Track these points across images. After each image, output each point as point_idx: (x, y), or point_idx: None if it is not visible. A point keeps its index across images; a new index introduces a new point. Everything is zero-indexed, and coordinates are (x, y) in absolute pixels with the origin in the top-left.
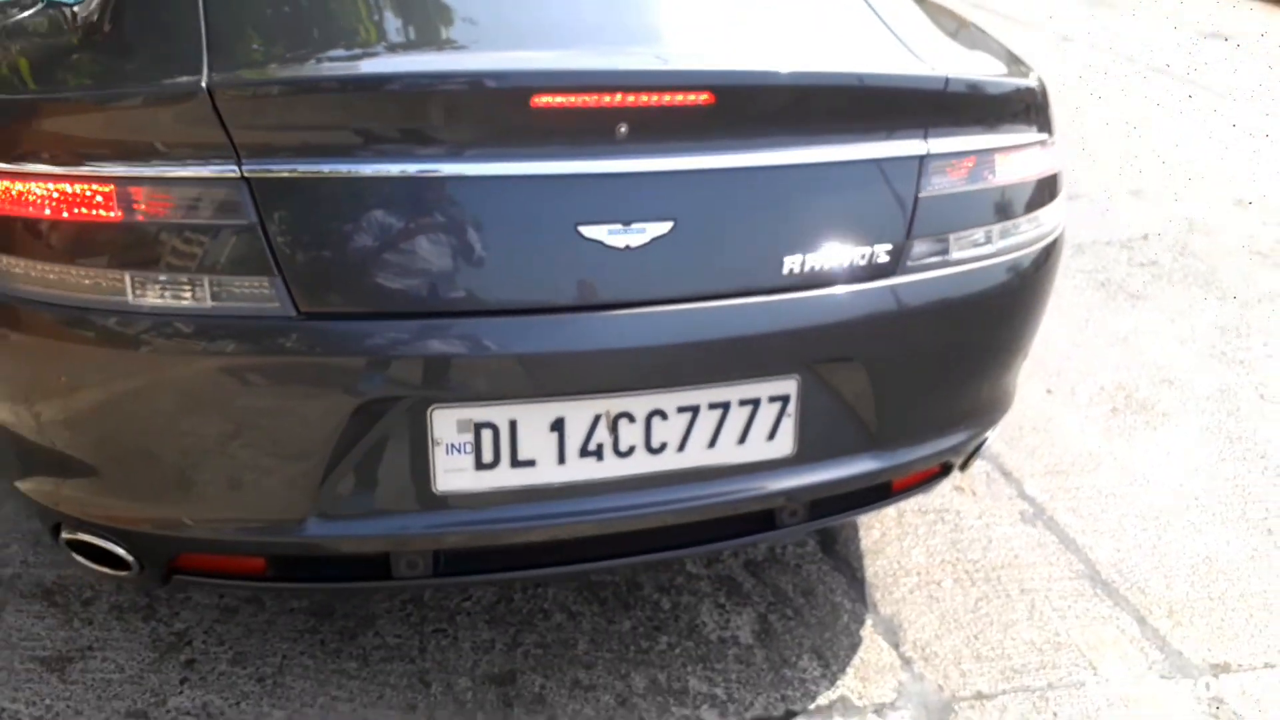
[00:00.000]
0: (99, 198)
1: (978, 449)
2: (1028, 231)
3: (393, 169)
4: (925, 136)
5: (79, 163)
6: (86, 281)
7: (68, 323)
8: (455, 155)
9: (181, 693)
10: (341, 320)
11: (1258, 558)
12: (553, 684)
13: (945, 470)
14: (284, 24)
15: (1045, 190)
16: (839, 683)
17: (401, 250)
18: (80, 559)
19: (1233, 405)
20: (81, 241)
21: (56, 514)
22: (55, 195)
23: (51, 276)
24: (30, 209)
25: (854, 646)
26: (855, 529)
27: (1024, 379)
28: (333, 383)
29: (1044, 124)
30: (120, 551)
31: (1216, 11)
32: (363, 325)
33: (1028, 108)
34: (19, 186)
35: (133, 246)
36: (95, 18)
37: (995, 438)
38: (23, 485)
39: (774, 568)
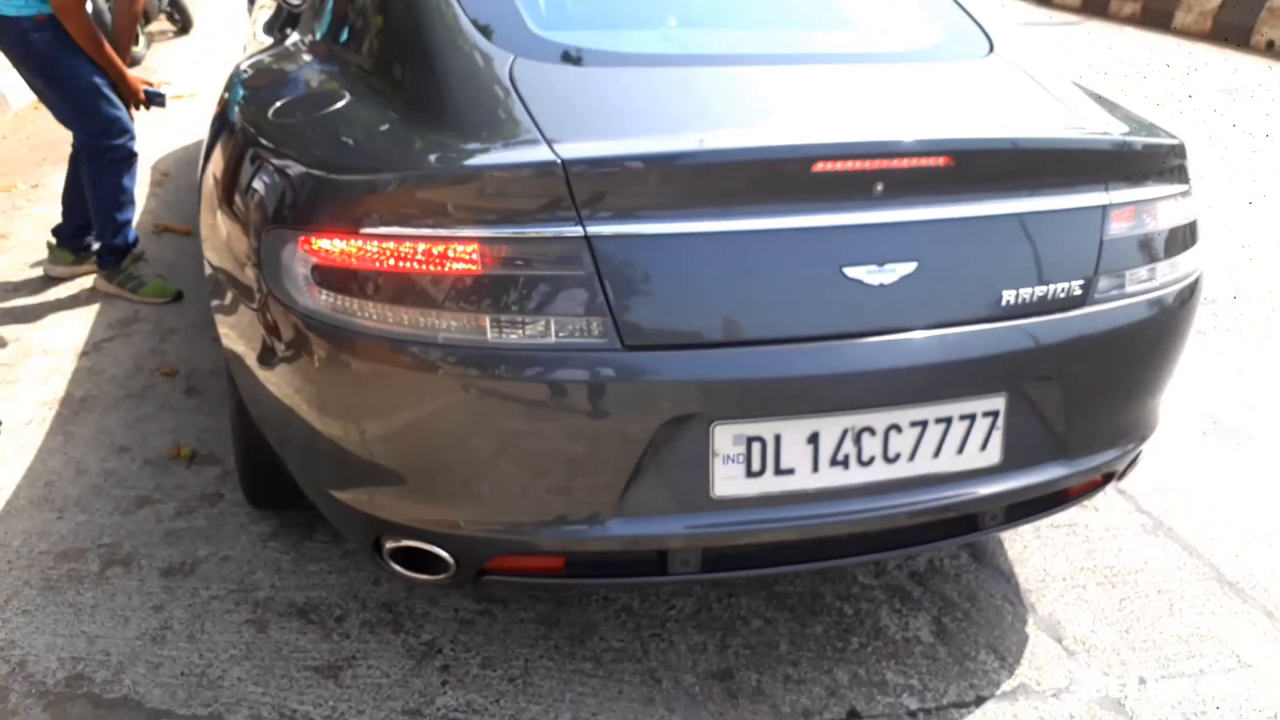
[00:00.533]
0: (465, 254)
1: (1134, 461)
2: (1180, 269)
3: (702, 226)
4: (1106, 189)
5: (448, 225)
6: (453, 323)
7: (434, 358)
8: (750, 212)
9: (444, 693)
10: (655, 351)
11: None
12: (767, 678)
13: (1106, 479)
14: (597, 109)
15: (1190, 233)
16: (1016, 672)
17: (705, 292)
18: (397, 567)
19: None
20: (449, 291)
21: (381, 524)
22: (427, 253)
23: (422, 320)
24: (405, 264)
25: (1022, 642)
26: (1000, 542)
27: None
28: (646, 403)
29: (1186, 178)
30: (444, 554)
31: None
32: (671, 355)
33: (1176, 164)
34: (395, 246)
35: (492, 294)
36: (417, 100)
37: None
38: (347, 497)
39: (936, 577)
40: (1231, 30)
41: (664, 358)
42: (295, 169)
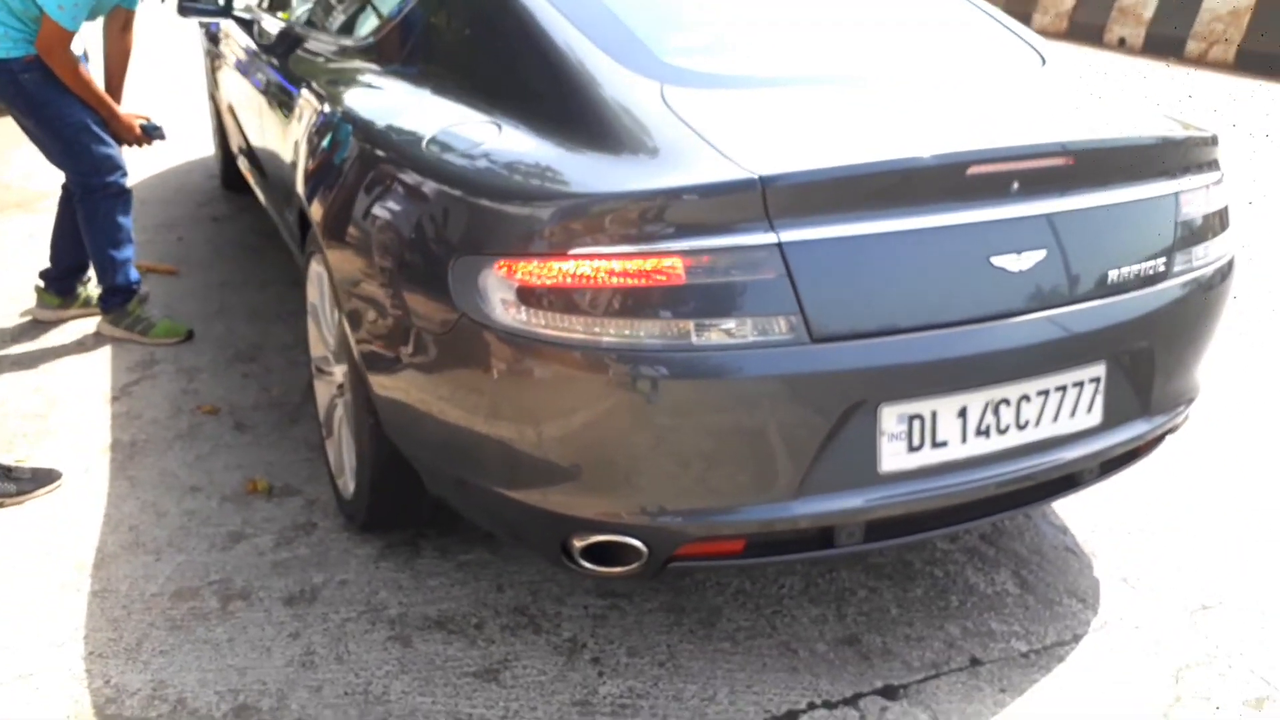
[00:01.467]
0: (668, 268)
1: (1185, 420)
2: (1225, 244)
3: (873, 227)
4: (1176, 177)
5: (650, 242)
6: (659, 330)
7: (640, 363)
8: (913, 213)
9: (604, 683)
10: (839, 342)
11: None
12: (889, 639)
13: (1162, 438)
14: (760, 128)
15: (1226, 215)
16: (1100, 611)
17: (878, 286)
18: (585, 564)
19: None
20: (654, 301)
21: (572, 523)
22: (633, 270)
23: (629, 329)
24: (611, 280)
25: (1094, 585)
26: None
27: None
28: (833, 391)
29: (1219, 166)
30: (638, 544)
31: None
32: (852, 345)
33: (1215, 155)
34: (602, 265)
35: (695, 301)
36: (577, 128)
37: None
38: (538, 500)
39: (1003, 537)
40: (1086, 29)
41: (847, 348)
42: (485, 200)
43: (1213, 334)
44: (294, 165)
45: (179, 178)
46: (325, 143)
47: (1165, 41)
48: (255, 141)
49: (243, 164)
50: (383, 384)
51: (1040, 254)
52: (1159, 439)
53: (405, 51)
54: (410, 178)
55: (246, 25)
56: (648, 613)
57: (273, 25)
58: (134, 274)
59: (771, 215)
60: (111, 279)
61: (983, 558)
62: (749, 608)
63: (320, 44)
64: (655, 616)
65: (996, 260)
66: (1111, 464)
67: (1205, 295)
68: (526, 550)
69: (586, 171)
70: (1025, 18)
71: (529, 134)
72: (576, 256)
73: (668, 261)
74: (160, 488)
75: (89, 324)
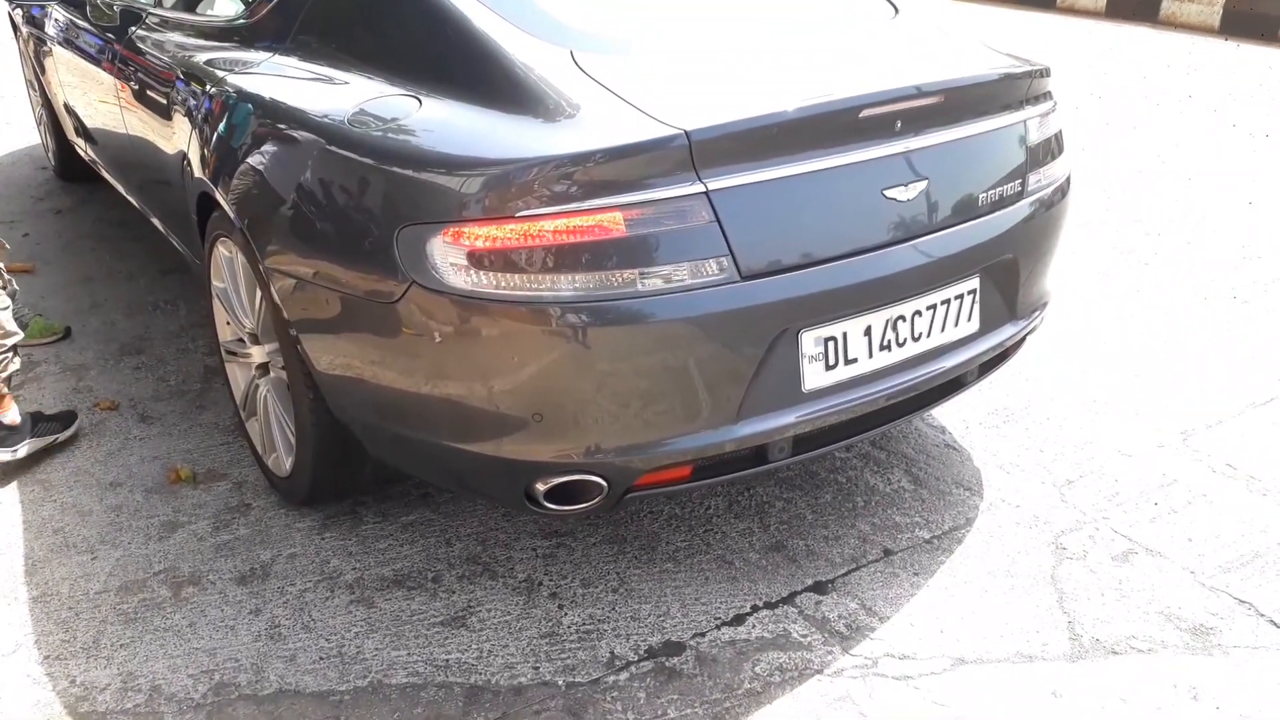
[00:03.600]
0: (609, 222)
1: (1039, 323)
2: (1064, 165)
3: (787, 170)
4: (1023, 106)
5: (588, 198)
6: (605, 280)
7: (593, 311)
8: (821, 154)
9: (565, 614)
10: (765, 277)
11: None
12: (812, 541)
13: (1024, 339)
14: (671, 87)
15: (1063, 138)
16: (985, 495)
17: (795, 223)
18: (549, 505)
19: None
20: (599, 254)
21: (534, 468)
22: (576, 227)
23: (578, 281)
24: (557, 238)
25: (975, 473)
26: None
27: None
28: (763, 321)
29: (1052, 96)
30: (599, 479)
31: None
32: (777, 280)
33: (1048, 87)
34: (547, 224)
35: (636, 250)
36: (497, 96)
37: None
38: (501, 450)
39: (890, 440)
40: None
41: (772, 282)
42: (425, 170)
43: (1059, 244)
44: (185, 152)
45: (4, 170)
46: (230, 127)
47: None
48: (110, 127)
49: (87, 152)
50: (324, 358)
51: (923, 184)
52: (1022, 340)
53: (287, 29)
54: (338, 155)
55: (78, 6)
56: (593, 546)
57: (115, 5)
58: None
59: (698, 166)
60: None
61: (876, 461)
62: (683, 529)
63: (180, 23)
64: (600, 549)
65: (889, 193)
66: (988, 365)
67: (1053, 210)
68: (485, 500)
69: (518, 136)
70: None
71: (450, 104)
72: (522, 219)
73: (608, 216)
74: (77, 488)
75: None
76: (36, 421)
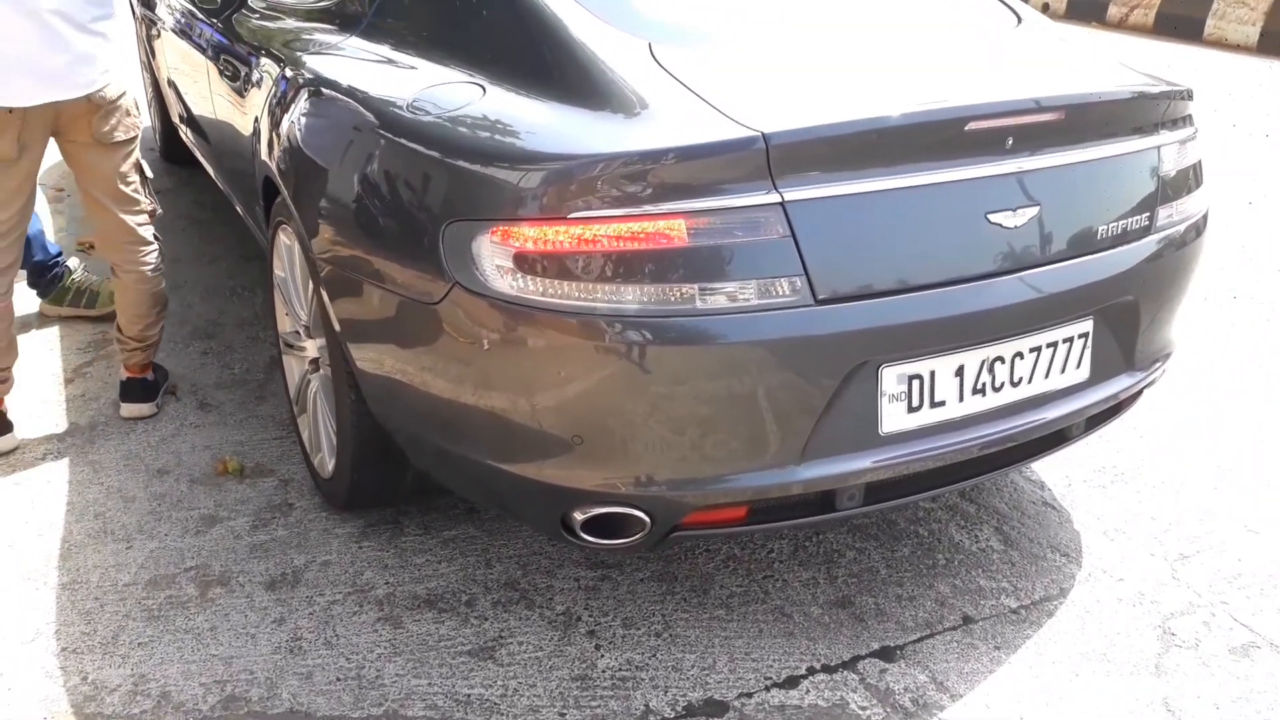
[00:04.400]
0: (671, 229)
1: (1160, 375)
2: (1202, 198)
3: (877, 185)
4: (1158, 131)
5: (652, 203)
6: (661, 294)
7: (647, 327)
8: (916, 169)
9: (602, 656)
10: (843, 303)
11: None
12: (882, 599)
13: (1142, 392)
14: (756, 85)
15: (1201, 169)
16: (1083, 564)
17: (881, 245)
18: (587, 537)
19: None
20: (658, 264)
21: (573, 495)
22: (636, 233)
23: (630, 293)
24: (614, 244)
25: (1075, 537)
26: None
27: None
28: (837, 352)
29: (1193, 121)
30: (641, 514)
31: None
32: (856, 307)
33: (1190, 110)
34: (603, 228)
35: (699, 263)
36: (568, 89)
37: None
38: (539, 473)
39: (983, 493)
40: None
41: (849, 309)
42: (476, 164)
43: (1191, 288)
44: (256, 134)
45: None
46: (294, 110)
47: (1088, 7)
48: (202, 111)
49: (186, 135)
50: (366, 357)
51: (1034, 210)
52: (1139, 393)
53: (364, 12)
54: (393, 142)
55: None
56: (640, 582)
57: None
58: (52, 247)
59: (775, 174)
60: (30, 257)
61: (964, 515)
62: (740, 573)
63: (271, 4)
64: (648, 586)
65: (994, 217)
66: (1097, 418)
67: (1184, 250)
68: (522, 524)
69: (580, 131)
70: None
71: (514, 94)
72: (575, 220)
73: (670, 223)
74: (126, 472)
75: (33, 309)
76: (160, 375)
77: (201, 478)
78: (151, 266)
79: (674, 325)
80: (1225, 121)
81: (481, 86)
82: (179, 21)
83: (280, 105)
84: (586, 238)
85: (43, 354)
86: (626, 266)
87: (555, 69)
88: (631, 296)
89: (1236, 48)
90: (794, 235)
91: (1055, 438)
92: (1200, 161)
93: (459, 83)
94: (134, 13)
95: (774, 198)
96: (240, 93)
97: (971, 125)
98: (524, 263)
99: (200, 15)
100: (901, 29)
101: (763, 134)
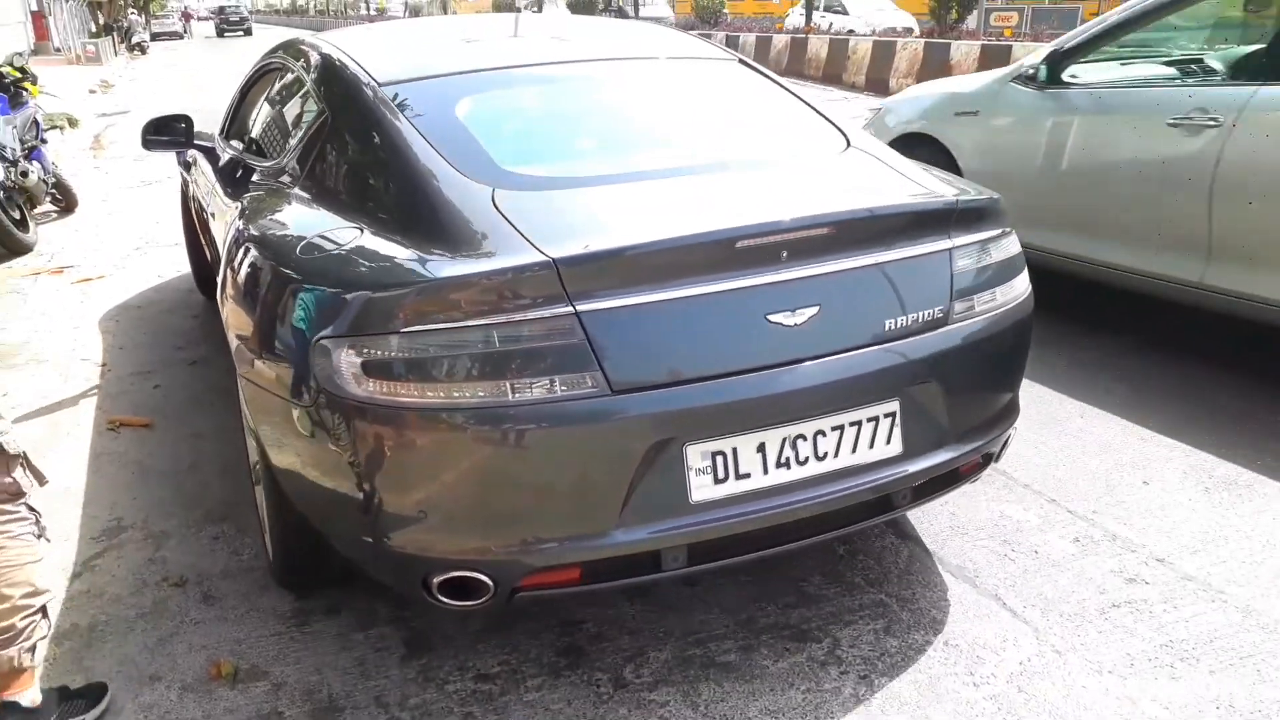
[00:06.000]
0: (486, 338)
1: (1005, 445)
2: (1015, 289)
3: (660, 295)
4: (950, 235)
5: (471, 317)
6: (481, 392)
7: (468, 419)
8: (694, 282)
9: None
10: (637, 392)
11: None
12: None
13: (986, 460)
14: (566, 220)
15: (1018, 262)
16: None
17: (667, 344)
18: (443, 599)
19: None
20: (478, 367)
21: (430, 562)
22: (457, 341)
23: (456, 392)
24: (439, 351)
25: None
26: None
27: None
28: (633, 433)
29: (1005, 222)
30: (484, 578)
31: None
32: (649, 394)
33: (997, 212)
34: (431, 339)
35: (510, 364)
36: (422, 231)
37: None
38: (399, 544)
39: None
40: None
41: (643, 396)
42: (337, 289)
43: (1015, 366)
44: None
45: (159, 318)
46: (233, 254)
47: None
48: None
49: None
50: (274, 452)
51: (813, 310)
52: (980, 464)
53: (303, 170)
54: (285, 275)
55: (208, 152)
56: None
57: (224, 152)
58: None
59: (568, 290)
60: None
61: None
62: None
63: (252, 166)
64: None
65: (773, 317)
66: (928, 487)
67: (990, 336)
68: (398, 590)
69: (420, 263)
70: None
71: (384, 236)
72: (410, 333)
73: (485, 334)
74: (118, 679)
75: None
76: (62, 700)
77: (194, 683)
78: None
79: (493, 415)
80: None
81: (360, 229)
82: (201, 180)
83: (229, 251)
84: (420, 347)
85: (58, 543)
86: (452, 369)
87: (415, 214)
88: (459, 394)
89: None
90: (588, 338)
91: (880, 504)
92: (1012, 258)
93: (345, 227)
94: (180, 171)
95: (568, 309)
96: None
97: (742, 243)
98: (371, 369)
99: (214, 174)
100: (723, 166)
101: (553, 260)
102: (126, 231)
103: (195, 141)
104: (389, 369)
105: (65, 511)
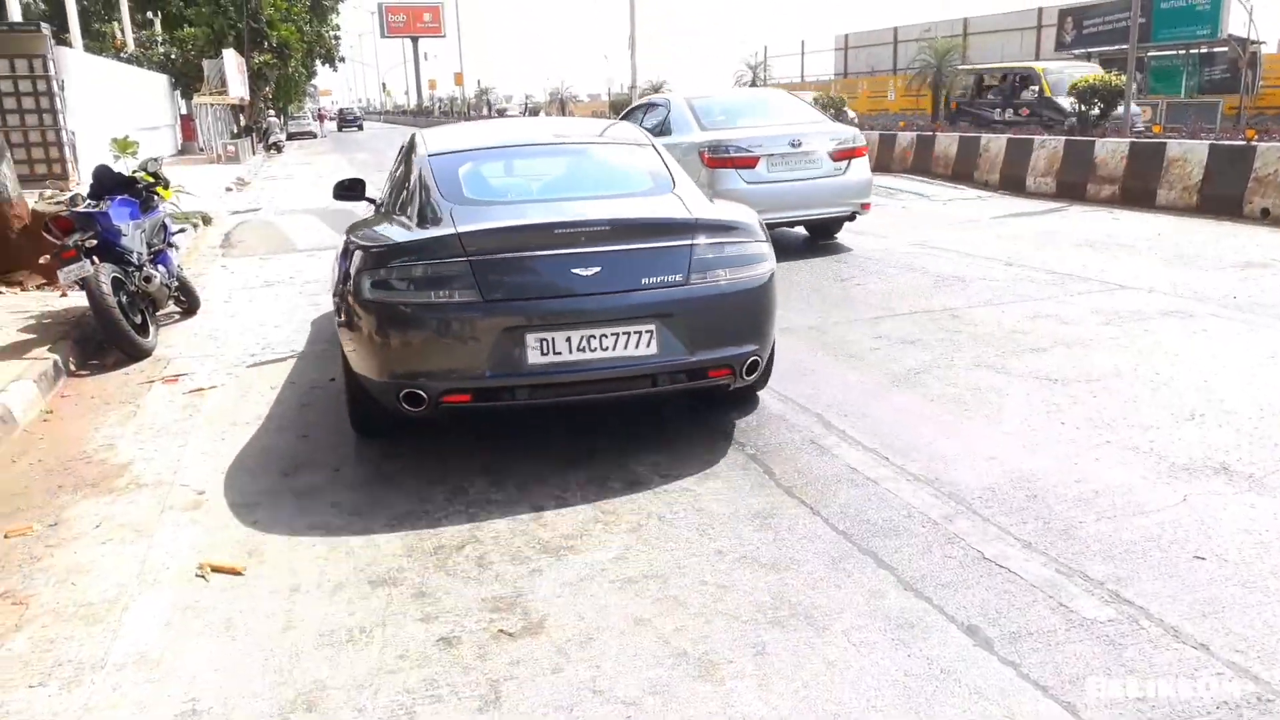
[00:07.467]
0: (425, 269)
1: (751, 365)
2: (747, 273)
3: (516, 255)
4: (694, 238)
5: (419, 260)
6: (422, 296)
7: (417, 309)
8: (537, 248)
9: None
10: (500, 302)
11: None
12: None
13: (733, 371)
14: (479, 219)
15: (756, 257)
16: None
17: (518, 279)
18: (405, 406)
19: None
20: (420, 283)
21: (399, 384)
22: (414, 271)
23: (410, 297)
24: (405, 274)
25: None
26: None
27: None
28: (496, 322)
29: (748, 234)
30: (423, 394)
31: None
32: (506, 304)
33: (744, 228)
34: (402, 270)
35: (434, 283)
36: (417, 221)
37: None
38: (386, 374)
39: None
40: (1219, 202)
41: (502, 304)
42: (368, 245)
43: (738, 318)
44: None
45: (266, 437)
46: (340, 247)
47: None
48: None
49: None
50: (342, 340)
51: (598, 269)
52: (728, 372)
53: (390, 200)
54: (351, 243)
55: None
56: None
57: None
58: None
59: (465, 248)
60: None
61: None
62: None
63: (378, 204)
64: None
65: (574, 270)
66: (686, 376)
67: (718, 295)
68: (390, 407)
69: (405, 235)
70: (1149, 195)
71: (400, 225)
72: (392, 265)
73: (424, 268)
74: None
75: None
76: None
77: None
78: None
79: (427, 307)
80: None
81: (391, 221)
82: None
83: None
84: (398, 273)
85: None
86: (409, 284)
87: (417, 211)
88: (412, 297)
89: None
90: (473, 272)
91: (651, 380)
92: (749, 254)
93: (386, 221)
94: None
95: (464, 258)
96: None
97: (557, 231)
98: (376, 285)
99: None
100: (580, 196)
101: (459, 234)
102: (244, 336)
103: (366, 196)
104: (384, 285)
105: (133, 688)
